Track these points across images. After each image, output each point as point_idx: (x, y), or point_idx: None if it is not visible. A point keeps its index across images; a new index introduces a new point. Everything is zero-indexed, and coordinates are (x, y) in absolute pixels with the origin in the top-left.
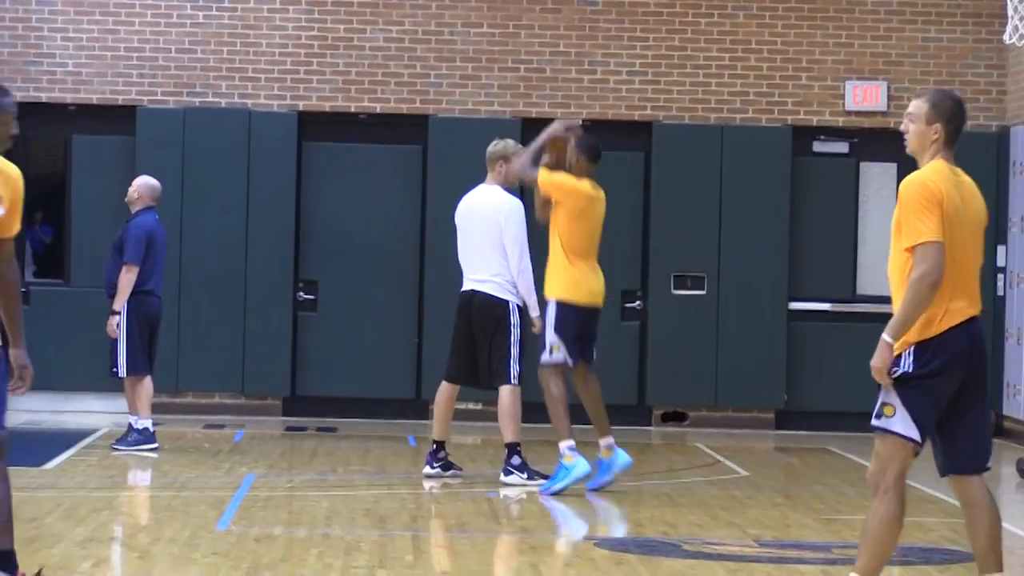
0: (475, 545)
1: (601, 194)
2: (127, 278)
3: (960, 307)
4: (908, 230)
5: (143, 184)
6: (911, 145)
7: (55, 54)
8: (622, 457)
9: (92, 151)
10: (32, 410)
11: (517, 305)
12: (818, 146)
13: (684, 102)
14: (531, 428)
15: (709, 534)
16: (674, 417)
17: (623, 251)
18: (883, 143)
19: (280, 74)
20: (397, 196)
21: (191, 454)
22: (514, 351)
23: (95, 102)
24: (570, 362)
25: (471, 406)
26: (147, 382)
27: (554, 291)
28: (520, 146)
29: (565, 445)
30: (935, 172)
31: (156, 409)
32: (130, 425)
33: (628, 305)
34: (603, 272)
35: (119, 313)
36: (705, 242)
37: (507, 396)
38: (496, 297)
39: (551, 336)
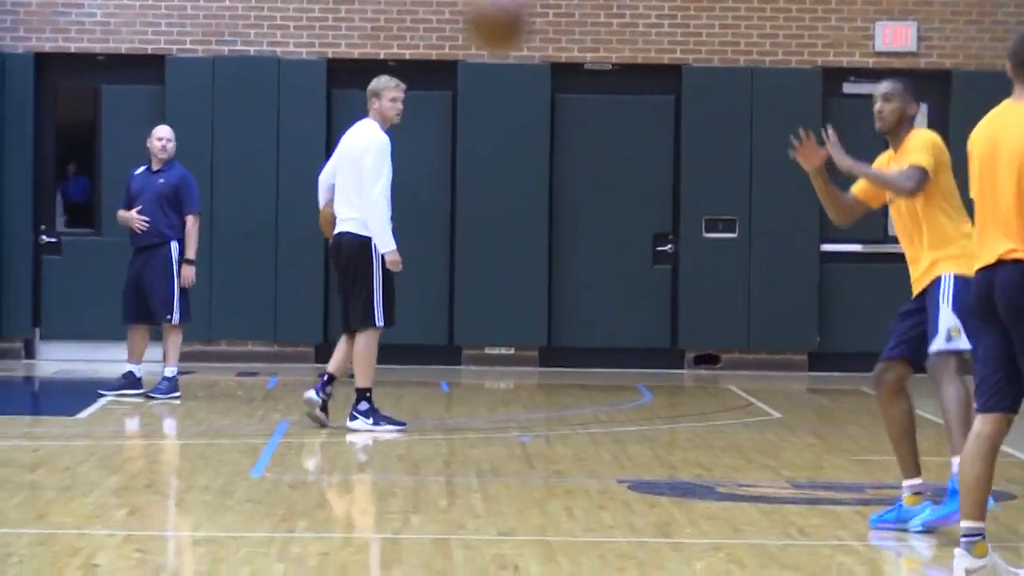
0: (509, 489)
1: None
2: (197, 226)
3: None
4: None
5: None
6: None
7: (83, 4)
8: None
9: (122, 101)
10: (66, 359)
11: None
12: (848, 87)
13: (714, 45)
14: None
15: (743, 476)
16: (707, 360)
17: (654, 195)
18: (913, 83)
19: (309, 21)
20: (427, 143)
21: (224, 402)
22: (376, 294)
23: (124, 51)
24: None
25: (503, 351)
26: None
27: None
28: (391, 80)
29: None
30: None
31: (189, 357)
32: (165, 375)
33: (660, 248)
34: (634, 216)
35: (194, 262)
36: (736, 185)
37: (367, 339)
38: (360, 236)
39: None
